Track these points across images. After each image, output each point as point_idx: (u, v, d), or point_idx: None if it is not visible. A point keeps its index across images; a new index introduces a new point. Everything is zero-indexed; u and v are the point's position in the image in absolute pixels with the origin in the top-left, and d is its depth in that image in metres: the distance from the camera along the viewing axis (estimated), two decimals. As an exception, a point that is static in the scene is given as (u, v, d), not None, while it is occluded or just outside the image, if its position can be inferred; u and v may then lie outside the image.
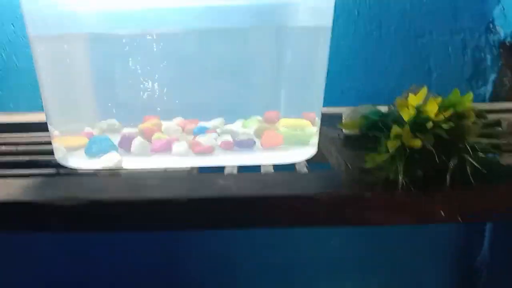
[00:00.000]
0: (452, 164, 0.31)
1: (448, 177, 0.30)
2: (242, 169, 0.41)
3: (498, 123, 0.54)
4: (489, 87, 0.67)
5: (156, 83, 0.47)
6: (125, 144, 0.42)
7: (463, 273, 0.74)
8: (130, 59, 0.47)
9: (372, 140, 0.38)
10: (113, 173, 0.39)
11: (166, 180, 0.36)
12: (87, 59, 0.47)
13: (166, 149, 0.42)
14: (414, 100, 0.35)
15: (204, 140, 0.43)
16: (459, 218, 0.31)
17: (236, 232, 0.70)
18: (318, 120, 0.44)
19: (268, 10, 0.44)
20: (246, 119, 0.48)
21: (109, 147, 0.41)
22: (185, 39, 0.46)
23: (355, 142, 0.42)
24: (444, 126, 0.32)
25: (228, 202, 0.32)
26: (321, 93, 0.44)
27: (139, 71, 0.47)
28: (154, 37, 0.45)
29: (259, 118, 0.47)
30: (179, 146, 0.41)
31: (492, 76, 0.67)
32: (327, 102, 0.66)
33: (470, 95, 0.35)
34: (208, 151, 0.41)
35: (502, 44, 0.65)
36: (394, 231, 0.71)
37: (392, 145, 0.33)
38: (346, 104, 0.67)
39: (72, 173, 0.40)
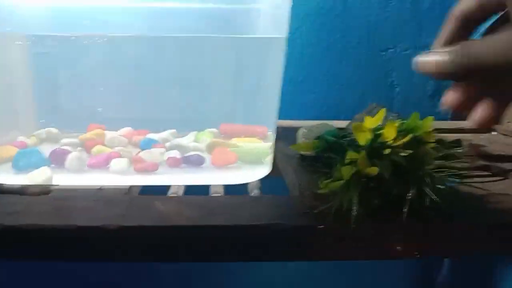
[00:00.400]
0: (409, 196, 0.28)
1: (405, 209, 0.28)
2: (189, 189, 0.38)
3: (458, 142, 0.52)
4: (451, 105, 0.66)
5: (104, 89, 0.43)
6: (58, 159, 0.38)
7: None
8: (76, 63, 0.43)
9: (328, 162, 0.35)
10: (42, 191, 0.35)
11: (97, 203, 0.32)
12: (25, 61, 0.42)
13: (104, 165, 0.38)
14: (371, 123, 0.32)
15: (148, 156, 0.39)
16: (416, 254, 0.29)
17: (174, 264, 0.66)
18: (272, 136, 0.41)
19: (223, 19, 0.41)
20: (200, 131, 0.45)
21: (39, 161, 0.37)
22: (138, 44, 0.43)
23: (311, 162, 0.40)
24: (402, 153, 0.30)
25: (164, 232, 0.28)
26: (275, 107, 0.41)
27: (86, 76, 0.43)
28: (105, 40, 0.41)
29: (215, 130, 0.44)
30: (118, 163, 0.37)
31: (454, 94, 0.66)
32: (287, 114, 0.64)
33: (430, 119, 0.33)
34: (151, 168, 0.38)
35: (464, 61, 0.65)
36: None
37: (346, 172, 0.30)
38: (307, 116, 0.65)
39: (-5, 189, 0.36)
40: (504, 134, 0.57)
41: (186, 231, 0.29)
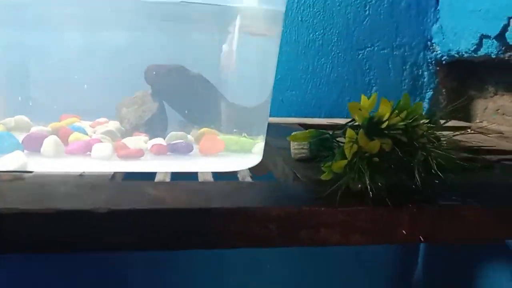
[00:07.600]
0: (416, 159, 0.28)
1: (416, 174, 0.27)
2: (176, 177, 0.36)
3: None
4: (425, 105, 0.68)
5: (78, 77, 0.40)
6: (33, 144, 0.34)
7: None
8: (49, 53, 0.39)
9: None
10: (16, 177, 0.32)
11: (81, 188, 0.29)
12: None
13: (84, 151, 0.35)
14: (366, 102, 0.32)
15: (131, 143, 0.37)
16: (421, 239, 0.28)
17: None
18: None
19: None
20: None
21: (11, 145, 0.34)
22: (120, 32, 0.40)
23: (304, 160, 0.38)
24: (400, 125, 0.30)
25: (161, 216, 0.26)
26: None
27: (59, 65, 0.40)
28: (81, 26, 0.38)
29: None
30: (101, 148, 0.35)
31: (429, 94, 0.68)
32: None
33: (420, 104, 0.33)
34: (136, 154, 0.35)
35: (438, 62, 0.66)
36: (330, 252, 0.69)
37: (349, 150, 0.29)
38: (286, 114, 0.64)
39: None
40: (479, 132, 0.58)
41: (183, 216, 0.26)
